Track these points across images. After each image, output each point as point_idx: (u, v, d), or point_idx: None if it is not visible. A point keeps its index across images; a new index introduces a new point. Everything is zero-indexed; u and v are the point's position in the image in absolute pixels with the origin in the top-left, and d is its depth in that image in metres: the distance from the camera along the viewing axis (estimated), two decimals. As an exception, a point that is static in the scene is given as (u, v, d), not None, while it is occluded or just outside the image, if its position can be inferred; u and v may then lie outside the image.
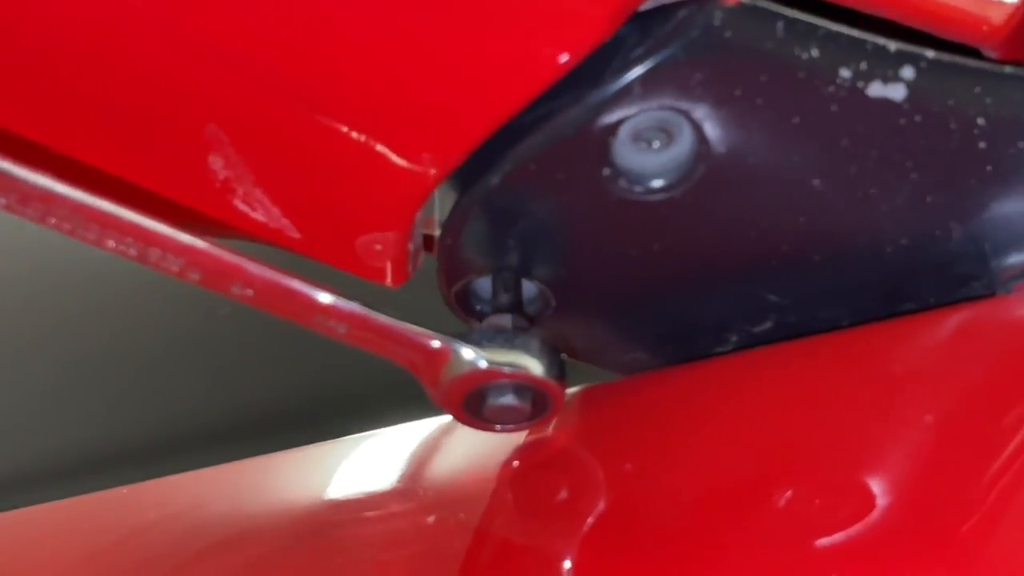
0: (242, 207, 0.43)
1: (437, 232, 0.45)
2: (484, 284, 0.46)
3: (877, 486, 0.40)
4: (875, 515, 0.40)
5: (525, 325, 0.45)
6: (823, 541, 0.40)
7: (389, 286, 0.45)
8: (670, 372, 0.48)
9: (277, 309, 0.42)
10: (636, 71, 0.39)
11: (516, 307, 0.45)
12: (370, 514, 0.49)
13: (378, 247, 0.43)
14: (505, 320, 0.45)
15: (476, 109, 0.39)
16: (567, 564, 0.44)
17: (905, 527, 0.39)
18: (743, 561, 0.41)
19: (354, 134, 0.40)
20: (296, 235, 0.44)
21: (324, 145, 0.40)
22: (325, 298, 0.42)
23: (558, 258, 0.45)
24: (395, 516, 0.49)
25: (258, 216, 0.43)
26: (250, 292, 0.40)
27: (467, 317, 0.47)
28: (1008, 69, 0.42)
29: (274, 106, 0.40)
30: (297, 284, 0.41)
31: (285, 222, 0.43)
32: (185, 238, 0.39)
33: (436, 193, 0.44)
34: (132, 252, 0.39)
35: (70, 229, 0.39)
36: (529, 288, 0.46)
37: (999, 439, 0.39)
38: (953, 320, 0.43)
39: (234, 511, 0.55)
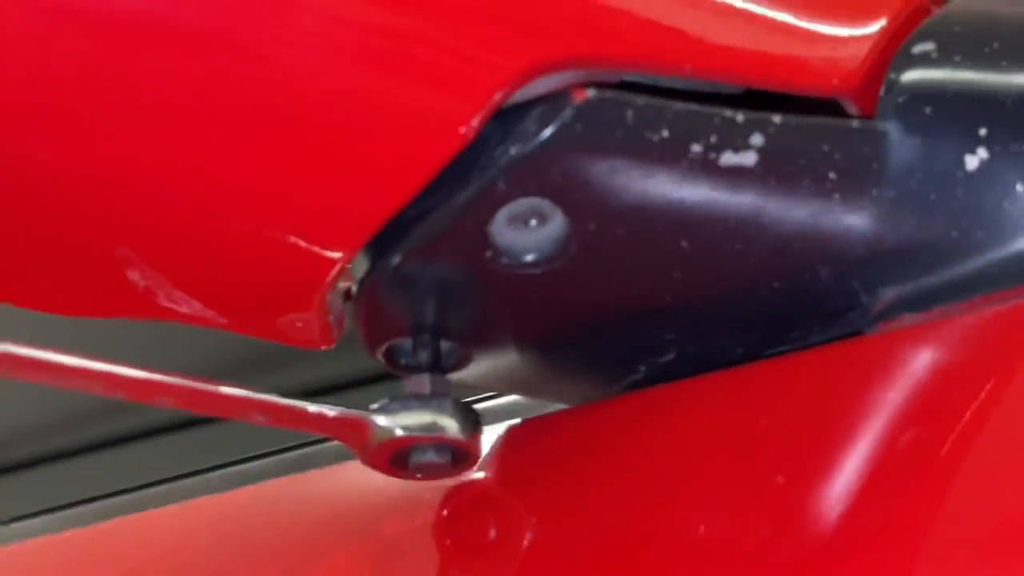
0: (167, 306, 0.46)
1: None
2: (406, 342, 0.50)
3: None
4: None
5: (443, 385, 0.49)
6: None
7: (320, 349, 0.49)
8: (586, 408, 0.52)
9: (201, 410, 0.46)
10: (498, 170, 0.42)
11: (434, 365, 0.49)
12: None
13: (299, 324, 0.47)
14: (423, 382, 0.49)
15: (362, 209, 0.43)
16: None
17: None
18: None
19: (257, 235, 0.43)
20: (223, 320, 0.48)
21: (232, 247, 0.44)
22: (240, 394, 0.46)
23: (464, 320, 0.48)
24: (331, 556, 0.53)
25: (184, 311, 0.47)
26: (171, 400, 0.44)
27: (396, 370, 0.51)
28: (855, 123, 0.44)
29: (180, 219, 0.43)
30: (211, 388, 0.45)
31: (210, 313, 0.47)
32: (98, 367, 0.43)
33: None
34: (52, 383, 0.43)
35: None
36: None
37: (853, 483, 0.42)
38: (817, 361, 0.46)
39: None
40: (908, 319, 0.45)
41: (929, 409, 0.43)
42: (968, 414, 0.42)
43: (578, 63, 0.42)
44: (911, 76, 0.45)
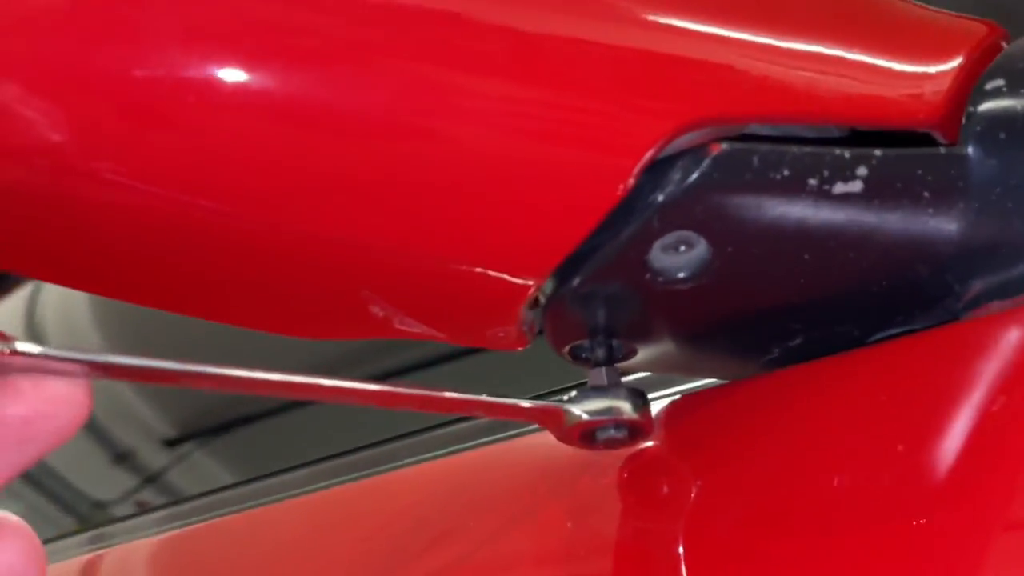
0: (401, 328, 0.58)
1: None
2: (585, 343, 0.61)
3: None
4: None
5: (616, 376, 0.60)
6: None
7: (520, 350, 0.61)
8: (733, 387, 0.63)
9: (431, 410, 0.58)
10: (652, 212, 0.53)
11: (609, 360, 0.60)
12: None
13: (501, 334, 0.59)
14: (601, 375, 0.60)
15: (546, 249, 0.54)
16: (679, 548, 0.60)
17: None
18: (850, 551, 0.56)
19: (468, 273, 0.55)
20: (442, 335, 0.60)
21: (449, 284, 0.55)
22: (464, 397, 0.57)
23: (631, 323, 0.60)
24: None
25: (414, 330, 0.59)
26: (406, 405, 0.56)
27: (577, 364, 0.62)
28: (942, 150, 0.54)
29: (409, 268, 0.54)
30: (438, 393, 0.57)
31: (433, 331, 0.59)
32: (319, 381, 0.53)
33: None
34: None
35: None
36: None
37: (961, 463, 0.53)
38: (923, 345, 0.57)
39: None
40: (996, 306, 0.55)
41: (1016, 385, 0.53)
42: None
43: (710, 123, 0.53)
44: (986, 107, 0.55)
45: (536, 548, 0.68)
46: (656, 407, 0.64)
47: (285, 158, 0.51)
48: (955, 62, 0.56)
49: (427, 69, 0.51)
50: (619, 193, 0.52)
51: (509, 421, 0.75)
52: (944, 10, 0.59)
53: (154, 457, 1.35)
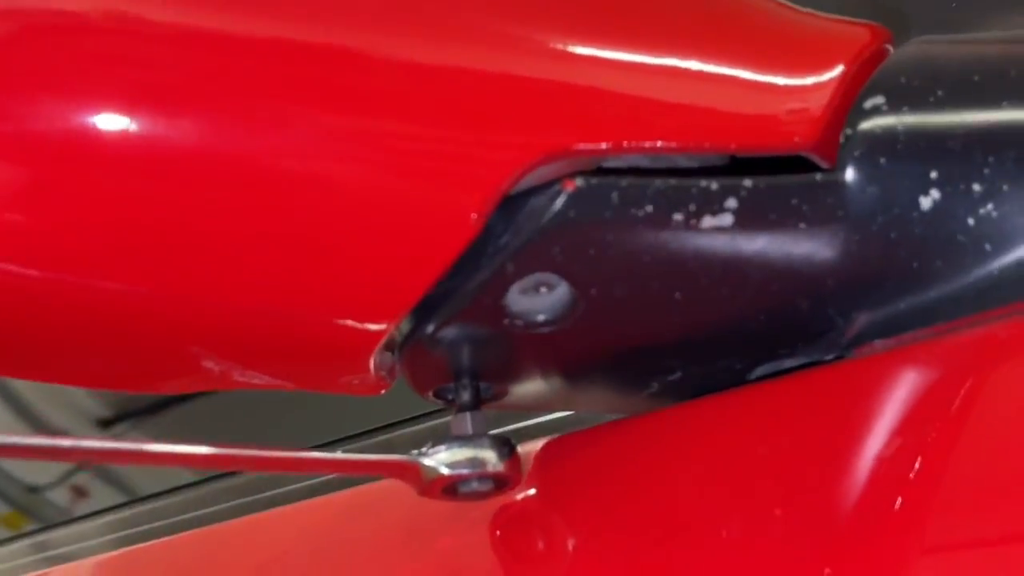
0: (242, 380, 0.53)
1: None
2: (449, 385, 0.57)
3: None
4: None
5: (482, 424, 0.55)
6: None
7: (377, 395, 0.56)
8: (607, 428, 0.58)
9: (276, 470, 0.53)
10: (505, 255, 0.48)
11: (476, 403, 0.56)
12: None
13: (356, 381, 0.54)
14: (465, 422, 0.56)
15: (395, 294, 0.49)
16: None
17: None
18: None
19: (314, 323, 0.50)
20: (291, 385, 0.55)
21: (292, 336, 0.51)
22: (307, 455, 0.53)
23: (496, 365, 0.55)
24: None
25: (257, 382, 0.54)
26: (244, 466, 0.52)
27: (445, 404, 0.57)
28: (818, 177, 0.50)
29: (242, 323, 0.50)
30: (280, 454, 0.52)
31: (279, 382, 0.54)
32: (187, 449, 0.50)
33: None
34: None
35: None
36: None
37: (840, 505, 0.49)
38: (804, 385, 0.52)
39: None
40: (880, 344, 0.51)
41: (902, 427, 0.49)
42: (934, 432, 0.48)
43: (564, 155, 0.48)
44: (865, 129, 0.50)
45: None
46: (528, 448, 0.59)
47: (91, 204, 0.46)
48: (834, 73, 0.51)
49: (248, 100, 0.46)
50: (467, 234, 0.47)
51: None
52: (823, 13, 0.55)
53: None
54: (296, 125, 0.47)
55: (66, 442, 0.49)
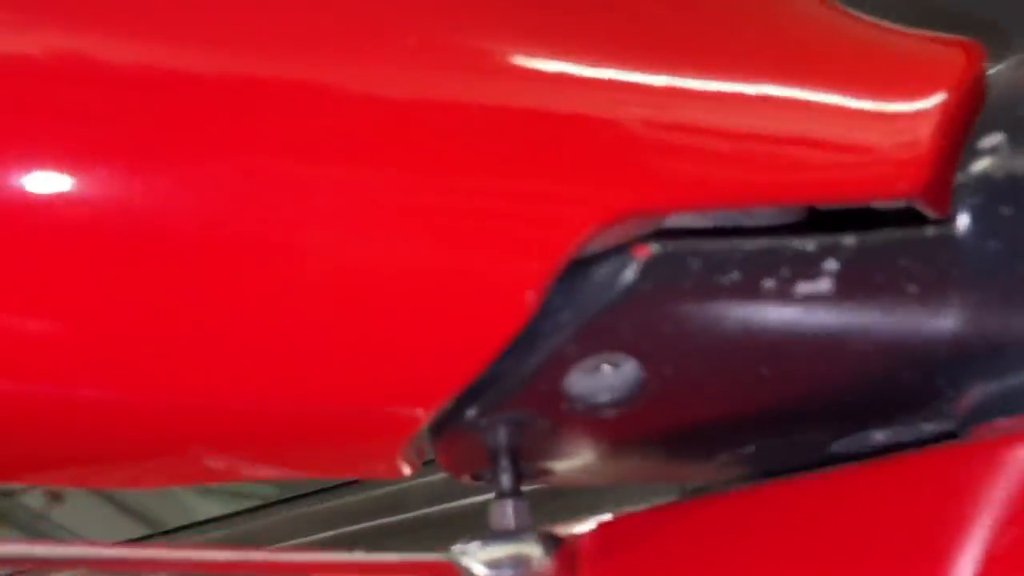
0: (251, 474, 0.46)
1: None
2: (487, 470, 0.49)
3: None
4: None
5: (525, 516, 0.48)
6: None
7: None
8: (682, 507, 0.51)
9: (296, 574, 0.45)
10: (564, 335, 0.40)
11: (516, 488, 0.48)
12: None
13: (381, 467, 0.46)
14: (507, 514, 0.48)
15: (436, 382, 0.41)
16: None
17: None
18: None
19: (339, 414, 0.42)
20: (306, 475, 0.48)
21: (312, 430, 0.43)
22: (334, 558, 0.45)
23: (543, 447, 0.47)
24: None
25: (267, 474, 0.47)
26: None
27: (480, 485, 0.50)
28: (929, 232, 0.42)
29: (263, 417, 0.42)
30: (305, 556, 0.45)
31: (296, 473, 0.47)
32: (205, 555, 0.43)
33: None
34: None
35: None
36: None
37: None
38: (909, 469, 0.45)
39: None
40: (1003, 424, 0.44)
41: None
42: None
43: (638, 215, 0.40)
44: (982, 172, 0.42)
45: None
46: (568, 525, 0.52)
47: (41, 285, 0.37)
48: (935, 101, 0.43)
49: (256, 158, 0.38)
50: (522, 313, 0.40)
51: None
52: (902, 26, 0.47)
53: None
54: (309, 181, 0.39)
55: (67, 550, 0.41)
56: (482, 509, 0.78)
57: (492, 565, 0.47)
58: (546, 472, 0.49)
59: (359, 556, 0.46)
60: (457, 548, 0.47)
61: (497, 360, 0.40)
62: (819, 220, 0.42)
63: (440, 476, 0.76)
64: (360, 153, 0.39)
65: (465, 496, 0.73)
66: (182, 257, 0.37)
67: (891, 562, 0.44)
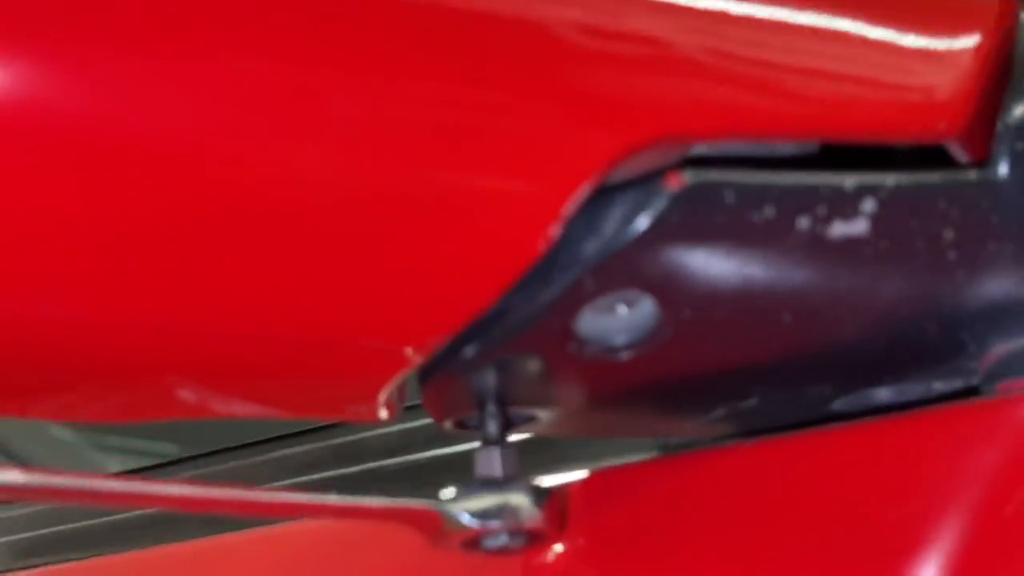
0: (223, 410, 0.42)
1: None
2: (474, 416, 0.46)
3: None
4: None
5: (513, 464, 0.45)
6: None
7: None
8: (664, 462, 0.48)
9: (281, 515, 0.42)
10: (584, 268, 0.37)
11: (503, 437, 0.45)
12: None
13: (362, 409, 0.43)
14: (494, 460, 0.45)
15: (441, 315, 0.38)
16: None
17: None
18: None
19: (331, 351, 0.39)
20: (282, 415, 0.45)
21: (303, 363, 0.39)
22: (314, 499, 0.42)
23: (537, 393, 0.44)
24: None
25: (241, 411, 0.43)
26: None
27: (464, 431, 0.46)
28: (972, 175, 0.40)
29: (251, 348, 0.38)
30: (284, 497, 0.42)
31: (269, 412, 0.44)
32: (192, 490, 0.40)
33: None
34: None
35: None
36: None
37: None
38: (928, 423, 0.42)
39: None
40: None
41: None
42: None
43: (673, 141, 0.37)
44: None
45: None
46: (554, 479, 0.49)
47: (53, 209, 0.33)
48: (972, 42, 0.41)
49: (267, 62, 0.34)
50: (541, 243, 0.36)
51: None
52: None
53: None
54: (308, 86, 0.35)
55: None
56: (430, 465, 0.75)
57: (479, 515, 0.44)
58: (531, 419, 0.46)
59: (341, 498, 0.42)
60: (443, 495, 0.44)
61: (507, 294, 0.37)
62: (834, 157, 0.39)
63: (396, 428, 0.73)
64: (366, 58, 0.35)
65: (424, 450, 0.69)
66: (162, 165, 0.33)
67: (898, 516, 0.42)
